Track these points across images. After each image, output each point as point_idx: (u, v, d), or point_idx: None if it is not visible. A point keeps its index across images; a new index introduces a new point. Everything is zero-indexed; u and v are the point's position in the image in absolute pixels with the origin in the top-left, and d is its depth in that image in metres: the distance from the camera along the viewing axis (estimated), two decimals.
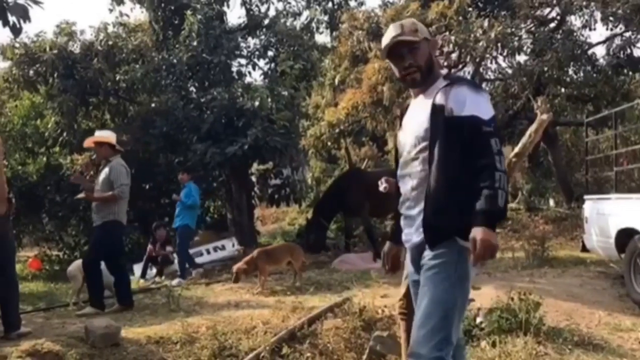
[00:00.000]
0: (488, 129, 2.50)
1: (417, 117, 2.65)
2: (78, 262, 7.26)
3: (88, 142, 6.96)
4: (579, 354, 4.53)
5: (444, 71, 2.90)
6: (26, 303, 7.68)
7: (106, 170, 6.56)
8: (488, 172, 2.42)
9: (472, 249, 2.39)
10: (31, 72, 12.40)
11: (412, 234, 2.68)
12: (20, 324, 5.13)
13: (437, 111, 2.53)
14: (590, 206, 7.60)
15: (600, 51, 13.85)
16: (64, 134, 12.82)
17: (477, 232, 2.37)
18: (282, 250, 8.20)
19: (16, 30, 4.11)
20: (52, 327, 5.52)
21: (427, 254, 2.59)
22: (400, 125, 2.85)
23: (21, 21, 4.06)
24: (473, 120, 2.49)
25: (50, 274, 11.46)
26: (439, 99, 2.55)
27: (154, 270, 10.05)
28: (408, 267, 2.85)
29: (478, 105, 2.53)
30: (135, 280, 9.76)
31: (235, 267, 7.70)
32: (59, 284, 9.62)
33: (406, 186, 2.70)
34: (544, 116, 8.66)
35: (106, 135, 6.89)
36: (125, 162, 6.73)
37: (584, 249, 8.13)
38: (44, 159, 13.46)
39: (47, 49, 12.07)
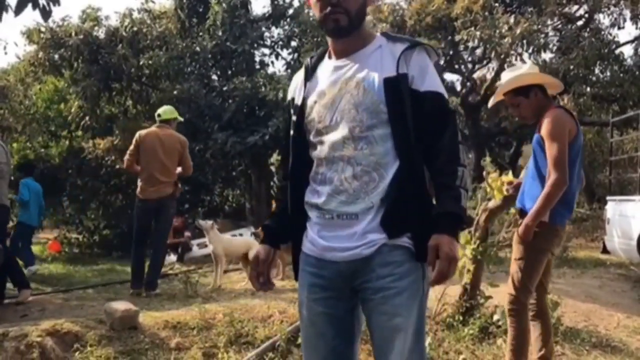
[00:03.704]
0: (450, 110, 2.00)
1: (353, 84, 1.99)
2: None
3: None
4: (597, 356, 4.48)
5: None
6: (45, 284, 7.82)
7: None
8: (450, 164, 1.91)
9: (432, 262, 1.84)
10: (56, 56, 12.50)
11: (348, 241, 1.96)
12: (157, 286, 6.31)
13: (399, 80, 1.94)
14: (613, 207, 7.52)
15: (628, 51, 13.69)
16: (87, 118, 12.92)
17: (442, 241, 1.82)
18: None
19: (46, 14, 4.13)
20: (71, 308, 5.60)
21: (384, 272, 1.92)
22: (305, 89, 2.13)
23: (51, 4, 4.09)
24: (436, 98, 1.97)
25: (70, 257, 11.56)
26: (402, 65, 1.96)
27: (172, 256, 10.12)
28: (305, 278, 2.10)
29: (437, 78, 2.01)
30: None
31: None
32: (77, 267, 9.74)
33: (338, 173, 1.98)
34: None
35: None
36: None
37: (605, 250, 8.08)
38: (67, 142, 13.62)
39: (73, 33, 12.16)
